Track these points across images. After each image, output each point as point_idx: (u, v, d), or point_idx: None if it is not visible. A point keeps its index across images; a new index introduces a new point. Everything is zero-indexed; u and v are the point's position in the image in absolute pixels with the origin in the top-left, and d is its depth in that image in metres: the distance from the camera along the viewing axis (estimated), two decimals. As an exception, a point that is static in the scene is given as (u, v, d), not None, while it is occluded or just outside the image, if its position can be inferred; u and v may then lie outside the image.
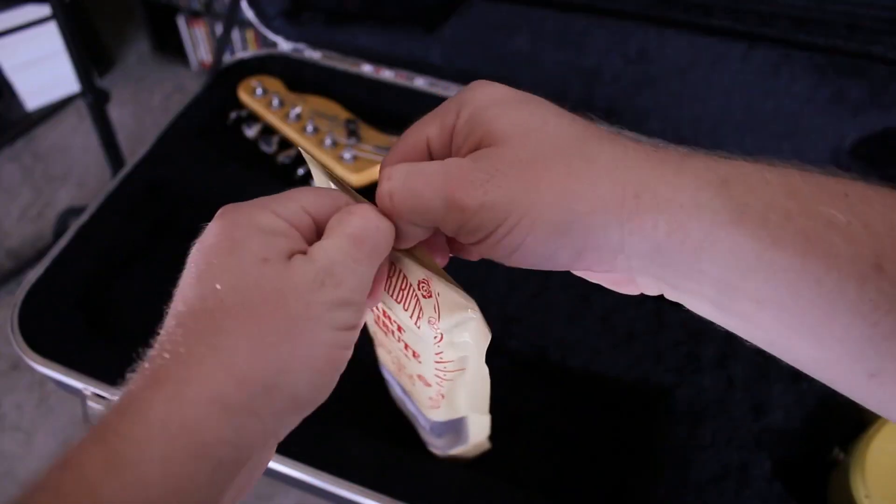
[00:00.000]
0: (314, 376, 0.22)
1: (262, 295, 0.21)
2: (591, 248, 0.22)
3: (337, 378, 0.23)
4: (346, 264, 0.22)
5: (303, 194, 0.24)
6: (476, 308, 0.25)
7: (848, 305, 0.19)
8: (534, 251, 0.22)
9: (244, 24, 1.63)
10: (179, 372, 0.20)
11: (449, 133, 0.25)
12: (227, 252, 0.21)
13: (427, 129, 0.26)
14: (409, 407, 0.42)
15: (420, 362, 0.31)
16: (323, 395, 0.23)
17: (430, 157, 0.26)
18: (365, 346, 0.48)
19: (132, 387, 0.20)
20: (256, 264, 0.21)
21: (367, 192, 0.59)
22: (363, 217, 0.23)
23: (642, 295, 0.55)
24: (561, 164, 0.22)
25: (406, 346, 0.31)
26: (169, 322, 0.21)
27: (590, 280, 0.26)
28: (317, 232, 0.24)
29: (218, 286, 0.21)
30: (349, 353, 0.23)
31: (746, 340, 0.23)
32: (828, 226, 0.20)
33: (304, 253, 0.22)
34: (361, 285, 0.23)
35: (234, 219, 0.22)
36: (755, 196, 0.20)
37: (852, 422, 0.50)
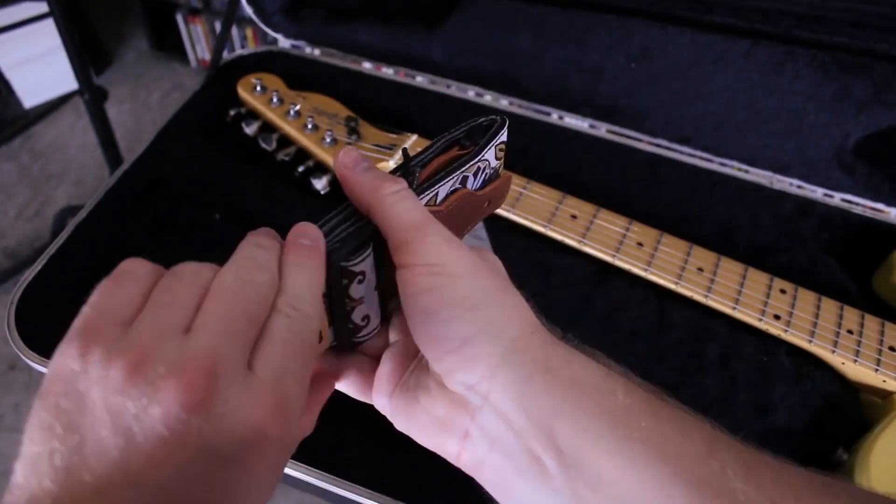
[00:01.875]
0: None
1: None
2: (474, 324, 0.24)
3: None
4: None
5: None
6: None
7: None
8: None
9: (243, 21, 1.63)
10: None
11: None
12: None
13: None
14: None
15: None
16: None
17: None
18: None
19: None
20: None
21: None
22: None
23: (645, 294, 0.55)
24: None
25: None
26: None
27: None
28: None
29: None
30: None
31: None
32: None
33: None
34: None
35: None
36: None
37: (856, 422, 0.49)
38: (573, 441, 0.22)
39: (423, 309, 0.24)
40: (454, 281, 0.24)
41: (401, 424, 0.28)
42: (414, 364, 0.28)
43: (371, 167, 0.27)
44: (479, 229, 0.56)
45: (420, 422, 0.27)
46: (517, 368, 0.23)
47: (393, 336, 0.30)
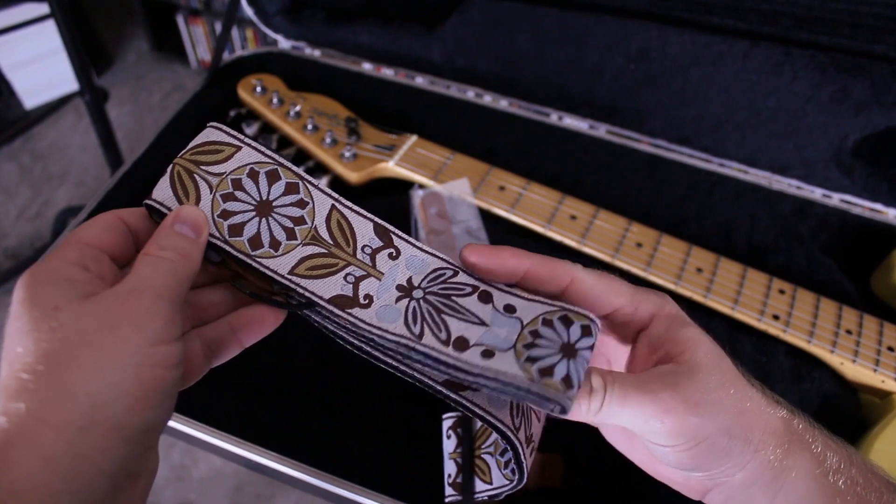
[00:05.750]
0: (130, 402, 0.22)
1: (57, 343, 0.22)
2: (718, 470, 0.26)
3: (162, 398, 0.23)
4: (136, 301, 0.23)
5: (85, 231, 0.26)
6: None
7: None
8: (688, 458, 0.26)
9: (244, 23, 1.63)
10: (1, 438, 0.21)
11: (638, 323, 0.29)
12: (21, 315, 0.23)
13: (616, 299, 0.29)
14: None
15: None
16: (152, 417, 0.23)
17: (608, 319, 0.30)
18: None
19: None
20: (49, 315, 0.22)
21: (367, 189, 0.59)
22: (156, 266, 0.25)
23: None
24: (735, 403, 0.26)
25: None
26: None
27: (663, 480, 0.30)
28: (125, 250, 0.27)
29: (19, 349, 0.22)
30: (171, 372, 0.24)
31: None
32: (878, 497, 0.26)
33: (103, 288, 0.24)
34: (162, 312, 0.24)
35: (26, 281, 0.23)
36: (838, 470, 0.26)
37: (855, 422, 0.50)
38: None
39: (676, 465, 0.27)
40: (708, 449, 0.26)
41: (624, 452, 0.31)
42: None
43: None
44: (479, 230, 0.56)
45: (656, 473, 0.30)
46: (752, 474, 0.26)
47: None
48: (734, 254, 0.56)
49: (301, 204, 0.29)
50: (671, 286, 0.52)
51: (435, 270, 0.29)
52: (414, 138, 0.60)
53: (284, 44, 0.73)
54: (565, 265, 0.29)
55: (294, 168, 0.29)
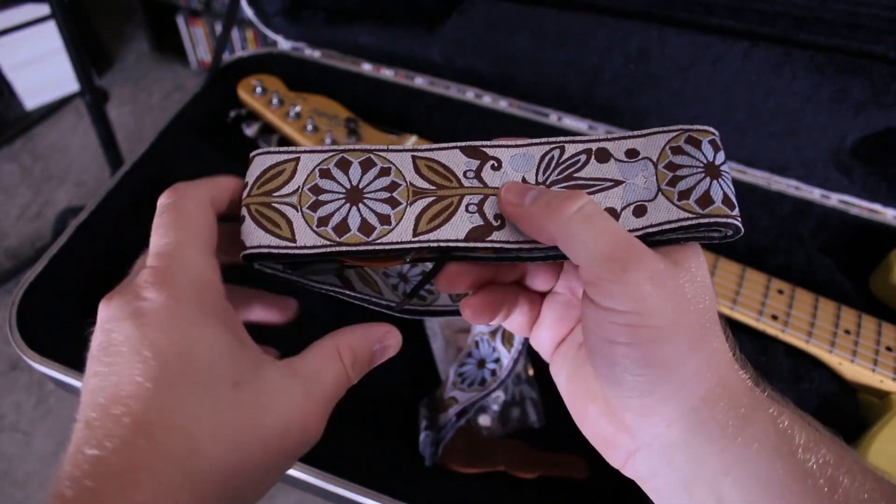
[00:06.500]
0: (261, 492, 0.24)
1: (233, 416, 0.23)
2: (665, 383, 0.23)
3: (279, 476, 0.25)
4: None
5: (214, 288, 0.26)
6: None
7: None
8: (624, 333, 0.22)
9: (244, 23, 1.63)
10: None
11: None
12: (196, 383, 0.23)
13: None
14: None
15: None
16: (264, 491, 0.24)
17: None
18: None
19: None
20: (229, 389, 0.23)
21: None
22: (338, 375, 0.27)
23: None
24: (700, 326, 0.23)
25: None
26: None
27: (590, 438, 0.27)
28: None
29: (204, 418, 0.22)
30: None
31: None
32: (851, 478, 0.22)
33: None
34: (325, 419, 0.26)
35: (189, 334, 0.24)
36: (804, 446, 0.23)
37: (853, 422, 0.50)
38: None
39: (611, 355, 0.23)
40: (655, 337, 0.22)
41: (563, 391, 0.28)
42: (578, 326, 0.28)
43: (541, 193, 0.24)
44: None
45: (586, 423, 0.27)
46: (696, 428, 0.23)
47: (559, 287, 0.29)
48: (733, 254, 0.56)
49: (385, 172, 0.27)
50: (670, 286, 0.52)
51: (542, 159, 0.27)
52: (414, 138, 0.60)
53: (284, 44, 0.73)
54: None
55: (357, 146, 0.28)
